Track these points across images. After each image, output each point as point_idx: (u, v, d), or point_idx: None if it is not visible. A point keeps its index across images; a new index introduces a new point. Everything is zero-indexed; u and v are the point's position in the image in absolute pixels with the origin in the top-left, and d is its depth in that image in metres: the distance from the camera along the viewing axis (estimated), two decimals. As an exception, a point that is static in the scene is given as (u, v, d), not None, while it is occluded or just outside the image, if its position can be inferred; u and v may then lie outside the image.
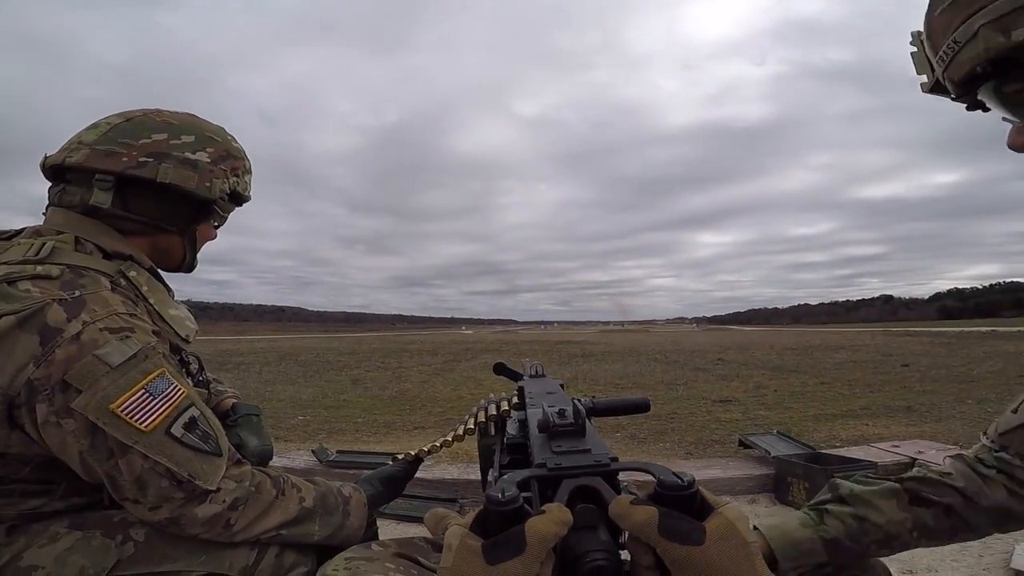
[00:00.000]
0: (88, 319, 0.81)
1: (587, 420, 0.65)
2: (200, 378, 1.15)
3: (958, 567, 2.09)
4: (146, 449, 0.79)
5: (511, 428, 0.95)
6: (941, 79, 0.64)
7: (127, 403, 0.78)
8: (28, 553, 0.82)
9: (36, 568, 0.80)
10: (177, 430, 0.82)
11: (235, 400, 1.29)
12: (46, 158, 0.99)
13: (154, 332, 0.91)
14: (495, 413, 1.06)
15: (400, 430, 5.43)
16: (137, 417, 0.79)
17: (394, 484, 1.16)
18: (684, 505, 0.45)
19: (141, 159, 0.97)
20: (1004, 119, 0.65)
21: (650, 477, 0.48)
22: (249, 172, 1.16)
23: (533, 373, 1.18)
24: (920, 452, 3.29)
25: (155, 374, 0.83)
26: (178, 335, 1.00)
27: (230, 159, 1.09)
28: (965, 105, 0.66)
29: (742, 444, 3.63)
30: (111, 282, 0.91)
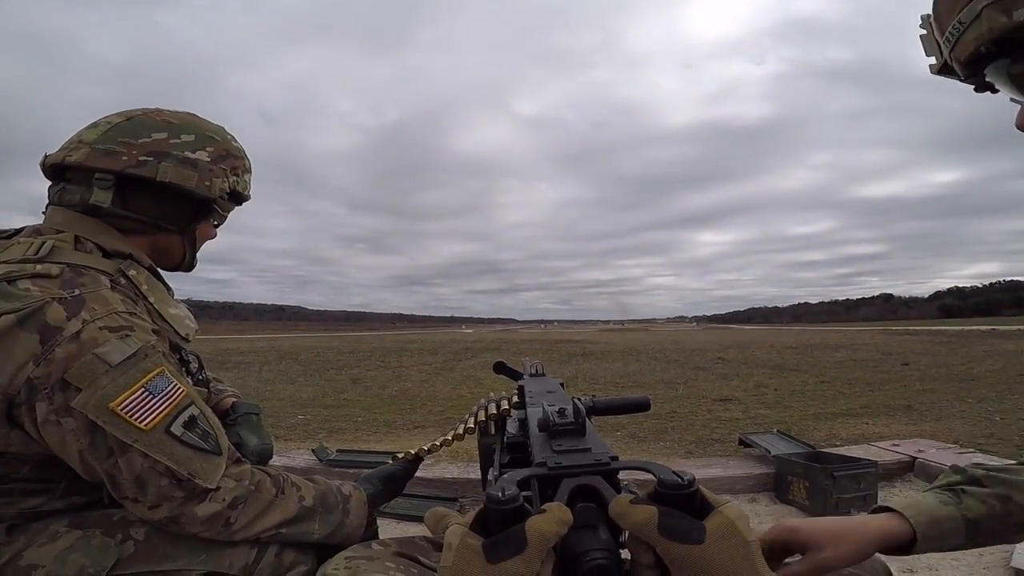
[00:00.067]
0: (88, 318, 0.81)
1: (587, 419, 0.65)
2: (200, 377, 1.15)
3: (958, 565, 2.09)
4: (146, 448, 0.79)
5: (511, 427, 0.95)
6: (949, 60, 0.65)
7: (127, 402, 0.78)
8: (28, 552, 0.82)
9: (36, 567, 0.80)
10: (177, 429, 0.82)
11: (235, 399, 1.29)
12: (46, 157, 0.99)
13: (154, 331, 0.91)
14: (495, 412, 1.06)
15: (400, 429, 5.43)
16: (137, 416, 0.79)
17: (394, 483, 1.16)
18: (684, 504, 0.45)
19: (141, 158, 0.97)
20: (1012, 100, 0.66)
21: (650, 476, 0.48)
22: (249, 171, 1.16)
23: (533, 372, 1.18)
24: (920, 451, 3.30)
25: (155, 373, 0.83)
26: (178, 334, 1.00)
27: (230, 158, 1.09)
28: (973, 87, 0.67)
29: (742, 443, 3.63)
30: (111, 281, 0.91)
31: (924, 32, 0.70)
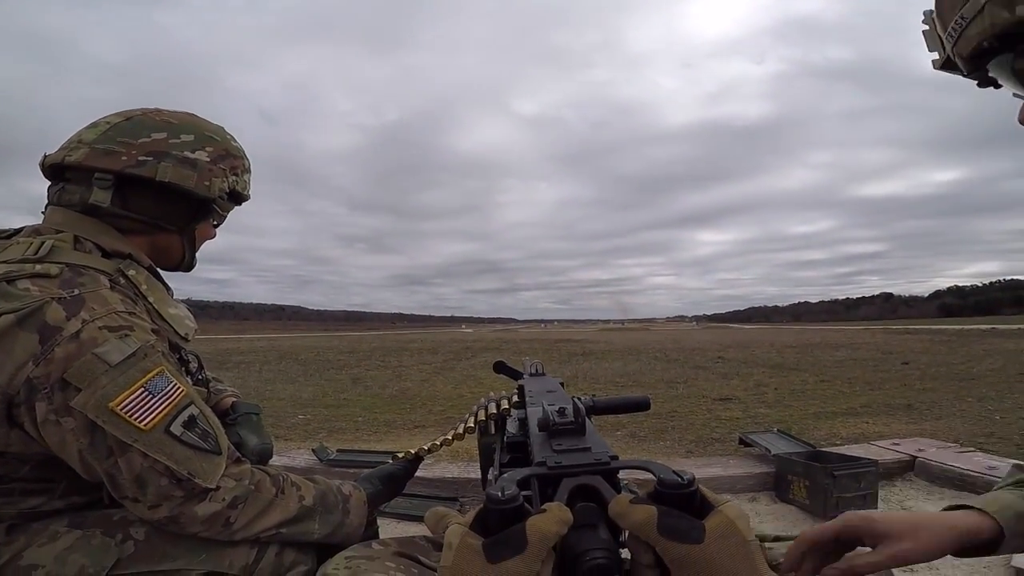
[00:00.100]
0: (87, 317, 0.81)
1: (587, 418, 0.65)
2: (199, 377, 1.15)
3: (959, 565, 2.08)
4: (145, 447, 0.79)
5: (511, 426, 0.95)
6: (951, 55, 0.66)
7: (126, 401, 0.78)
8: (28, 552, 0.82)
9: (36, 567, 0.80)
10: (176, 428, 0.82)
11: (234, 399, 1.29)
12: (45, 157, 0.99)
13: (153, 330, 0.91)
14: (495, 412, 1.06)
15: (400, 429, 5.43)
16: (136, 415, 0.79)
17: (394, 482, 1.16)
18: (684, 503, 0.45)
19: (140, 158, 0.97)
20: (1015, 95, 0.67)
21: (650, 475, 0.48)
22: (248, 171, 1.16)
23: (533, 372, 1.18)
24: (920, 450, 3.29)
25: (154, 372, 0.83)
26: (177, 333, 1.00)
27: (229, 158, 1.09)
28: (976, 82, 0.67)
29: (742, 442, 3.63)
30: (110, 280, 0.91)
31: (926, 28, 0.70)
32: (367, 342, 26.57)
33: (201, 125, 1.07)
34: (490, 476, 0.98)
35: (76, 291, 0.83)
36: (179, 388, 0.85)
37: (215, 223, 1.14)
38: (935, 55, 0.70)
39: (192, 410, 0.86)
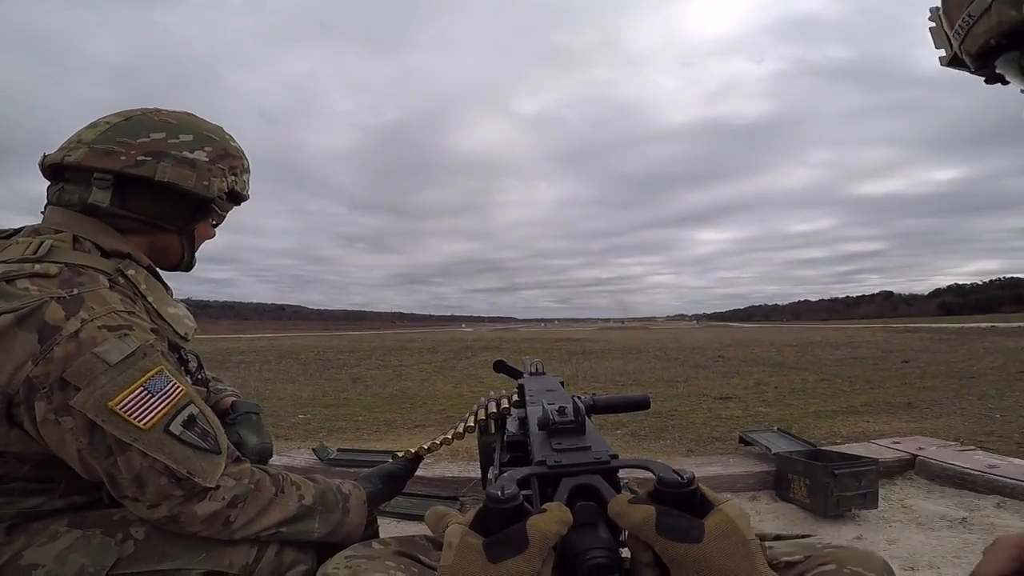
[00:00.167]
0: (86, 317, 0.81)
1: (587, 417, 0.65)
2: (199, 376, 1.15)
3: (960, 564, 2.08)
4: (145, 447, 0.79)
5: (511, 426, 0.95)
6: (958, 52, 0.66)
7: (126, 401, 0.78)
8: (28, 552, 0.82)
9: (36, 567, 0.80)
10: (176, 428, 0.82)
11: (234, 398, 1.29)
12: (45, 157, 0.99)
13: (152, 330, 0.91)
14: (495, 411, 1.06)
15: (400, 428, 5.43)
16: (136, 415, 0.79)
17: (394, 482, 1.16)
18: (684, 502, 0.45)
19: (139, 158, 0.97)
20: (1023, 92, 0.67)
21: (650, 474, 0.48)
22: (247, 171, 1.16)
23: (533, 371, 1.18)
24: (921, 448, 3.29)
25: (153, 372, 0.83)
26: (176, 333, 1.00)
27: (228, 158, 1.09)
28: (984, 79, 0.68)
29: (743, 441, 3.63)
30: (109, 280, 0.91)
31: (933, 25, 0.71)
32: (367, 341, 26.57)
33: (200, 125, 1.07)
34: (490, 475, 0.98)
35: (75, 290, 0.83)
36: (178, 387, 0.85)
37: (214, 223, 1.14)
38: (942, 52, 0.71)
39: (191, 409, 0.86)
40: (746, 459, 3.38)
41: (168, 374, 0.85)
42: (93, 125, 1.00)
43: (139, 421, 0.79)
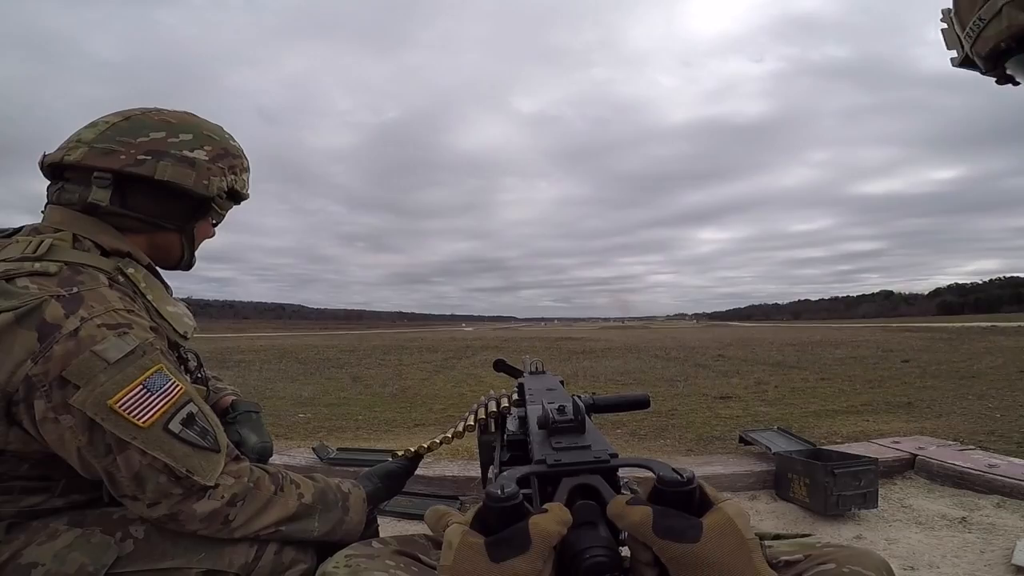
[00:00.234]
0: (86, 315, 0.81)
1: (587, 416, 0.65)
2: (199, 375, 1.15)
3: (959, 563, 2.09)
4: (144, 445, 0.79)
5: (511, 425, 0.95)
6: (970, 54, 0.67)
7: (125, 399, 0.78)
8: (28, 550, 0.82)
9: (36, 565, 0.80)
10: (175, 426, 0.82)
11: (234, 397, 1.29)
12: (45, 156, 0.99)
13: (152, 328, 0.91)
14: (495, 410, 1.06)
15: (400, 427, 5.43)
16: (135, 413, 0.79)
17: (394, 481, 1.16)
18: (684, 501, 0.45)
19: (139, 157, 0.97)
20: None
21: (650, 473, 0.48)
22: (247, 170, 1.16)
23: (533, 370, 1.18)
24: (921, 448, 3.29)
25: (153, 370, 0.83)
26: (176, 332, 1.00)
27: (228, 157, 1.09)
28: (995, 79, 0.69)
29: (743, 440, 3.63)
30: (109, 279, 0.91)
31: (944, 26, 0.72)
32: (367, 341, 26.58)
33: (200, 124, 1.07)
34: (490, 474, 0.98)
35: (75, 289, 0.84)
36: (178, 386, 0.85)
37: (214, 222, 1.14)
38: (953, 53, 0.72)
39: (191, 408, 0.86)
40: (746, 458, 3.38)
41: (167, 372, 0.85)
42: (93, 124, 1.00)
43: (138, 419, 0.79)
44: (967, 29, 0.65)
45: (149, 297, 0.98)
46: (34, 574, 0.80)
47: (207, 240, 1.17)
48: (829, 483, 2.56)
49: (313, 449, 3.50)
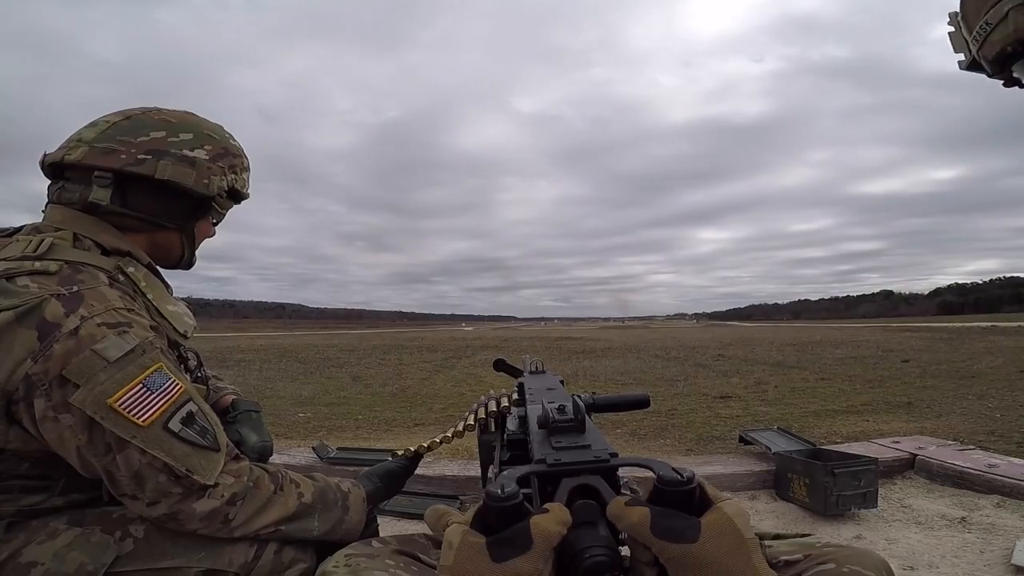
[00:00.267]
0: (86, 314, 0.81)
1: (587, 416, 0.65)
2: (199, 374, 1.15)
3: (959, 563, 2.09)
4: (144, 444, 0.79)
5: (511, 424, 0.95)
6: (977, 57, 0.68)
7: (125, 398, 0.78)
8: (27, 549, 0.82)
9: (35, 564, 0.80)
10: (175, 425, 0.82)
11: (235, 396, 1.29)
12: (45, 156, 0.99)
13: (152, 327, 0.91)
14: (495, 409, 1.06)
15: (400, 427, 5.43)
16: (135, 412, 0.79)
17: (394, 480, 1.16)
18: (684, 501, 0.45)
19: (140, 156, 0.97)
20: None
21: (651, 473, 0.48)
22: (247, 169, 1.16)
23: (533, 369, 1.18)
24: (921, 448, 3.29)
25: (153, 369, 0.83)
26: (176, 331, 1.00)
27: (228, 156, 1.09)
28: (1002, 82, 0.69)
29: (742, 440, 3.63)
30: (109, 278, 0.91)
31: (952, 30, 0.73)
32: (367, 340, 26.58)
33: (200, 124, 1.07)
34: (490, 474, 0.98)
35: (75, 288, 0.84)
36: (177, 385, 0.85)
37: (215, 221, 1.15)
38: (961, 56, 0.72)
39: (191, 407, 0.86)
40: (746, 458, 3.38)
41: (167, 371, 0.85)
42: (93, 124, 1.00)
43: (138, 418, 0.79)
44: (974, 33, 0.65)
45: (149, 296, 0.98)
46: (33, 573, 0.80)
47: (207, 239, 1.17)
48: (829, 483, 2.56)
49: (313, 448, 3.50)
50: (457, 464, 3.23)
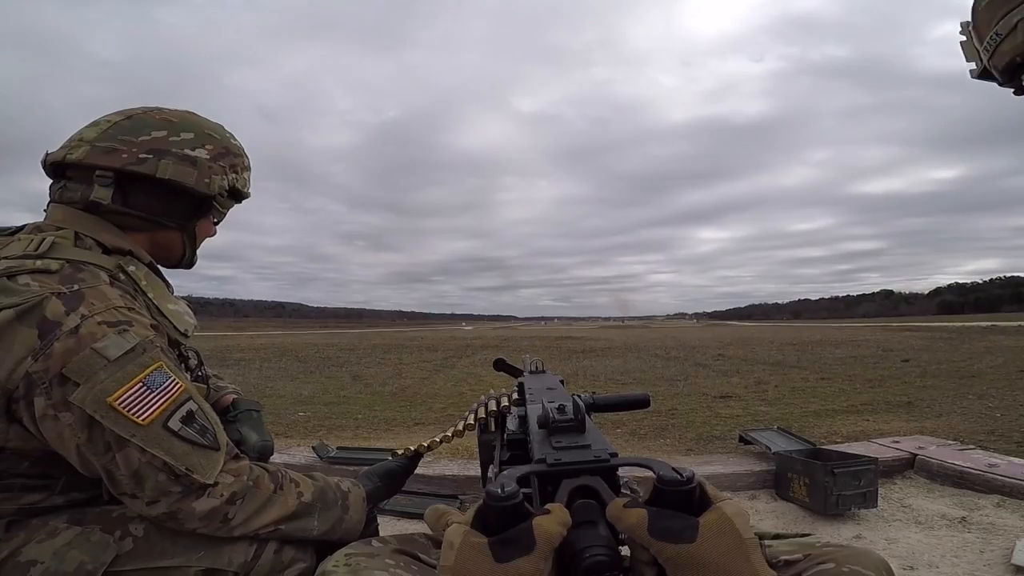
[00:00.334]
0: (86, 313, 0.81)
1: (587, 416, 0.65)
2: (199, 373, 1.15)
3: (959, 563, 2.09)
4: (143, 442, 0.79)
5: (511, 424, 0.95)
6: (987, 66, 0.69)
7: (124, 396, 0.78)
8: (27, 548, 0.82)
9: (35, 563, 0.80)
10: (175, 424, 0.82)
11: (235, 395, 1.29)
12: (47, 155, 1.00)
13: (152, 326, 0.91)
14: (495, 409, 1.06)
15: (400, 426, 5.44)
16: (135, 410, 0.79)
17: (394, 479, 1.16)
18: (684, 500, 0.45)
19: (141, 155, 0.97)
20: None
21: (651, 473, 0.48)
22: (248, 169, 1.16)
23: (533, 369, 1.18)
24: (921, 448, 3.29)
25: (153, 368, 0.83)
26: (177, 330, 1.00)
27: (229, 156, 1.09)
28: (1012, 90, 0.71)
29: (742, 440, 3.63)
30: (110, 276, 0.91)
31: (964, 39, 0.74)
32: (367, 339, 26.58)
33: (201, 123, 1.07)
34: (490, 473, 0.98)
35: (76, 286, 0.84)
36: (177, 384, 0.85)
37: (215, 220, 1.15)
38: (972, 65, 0.74)
39: (190, 405, 0.86)
40: (746, 458, 3.38)
41: (167, 370, 0.85)
42: (95, 123, 1.00)
43: (138, 417, 0.79)
44: (985, 43, 0.67)
45: (150, 295, 0.98)
46: (33, 572, 0.80)
47: (208, 238, 1.17)
48: (829, 483, 2.56)
49: (313, 448, 3.50)
50: (457, 464, 3.23)
